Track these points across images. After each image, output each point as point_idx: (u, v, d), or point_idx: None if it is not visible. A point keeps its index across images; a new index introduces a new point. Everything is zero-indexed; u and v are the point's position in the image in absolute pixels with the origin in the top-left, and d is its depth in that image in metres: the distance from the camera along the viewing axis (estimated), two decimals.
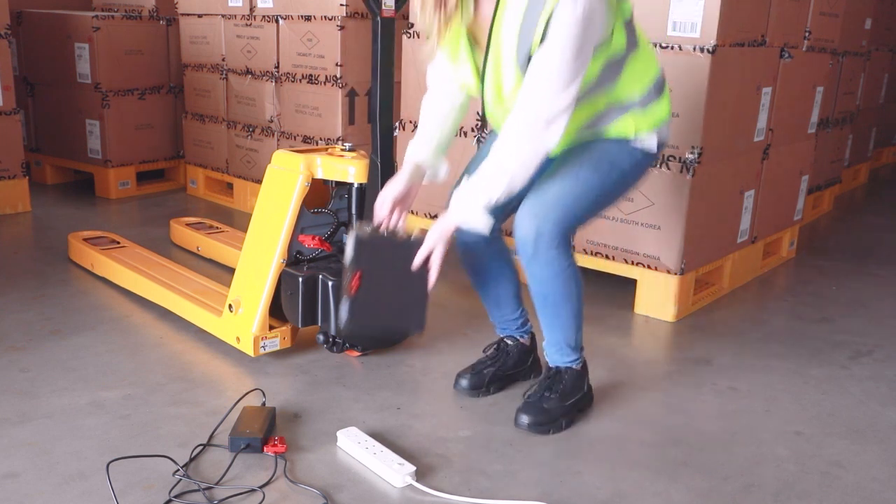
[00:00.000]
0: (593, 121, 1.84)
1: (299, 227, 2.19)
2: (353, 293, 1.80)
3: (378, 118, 2.65)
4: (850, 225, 4.08)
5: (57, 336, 2.33)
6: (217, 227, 3.24)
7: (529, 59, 1.67)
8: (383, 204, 1.89)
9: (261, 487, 1.61)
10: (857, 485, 1.73)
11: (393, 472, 1.65)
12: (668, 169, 2.51)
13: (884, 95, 5.05)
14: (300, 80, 3.56)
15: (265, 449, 1.73)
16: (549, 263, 1.79)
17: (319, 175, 2.19)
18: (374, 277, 1.81)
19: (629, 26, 1.79)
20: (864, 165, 5.08)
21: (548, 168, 1.84)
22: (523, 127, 1.69)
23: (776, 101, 2.88)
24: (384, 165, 2.61)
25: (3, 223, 3.51)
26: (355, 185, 2.19)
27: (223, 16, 3.80)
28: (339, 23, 3.36)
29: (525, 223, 1.76)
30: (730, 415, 2.02)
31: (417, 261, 1.76)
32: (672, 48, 2.46)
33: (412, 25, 3.08)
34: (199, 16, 3.92)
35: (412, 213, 3.10)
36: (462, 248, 1.99)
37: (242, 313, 2.19)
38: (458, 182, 1.90)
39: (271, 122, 3.73)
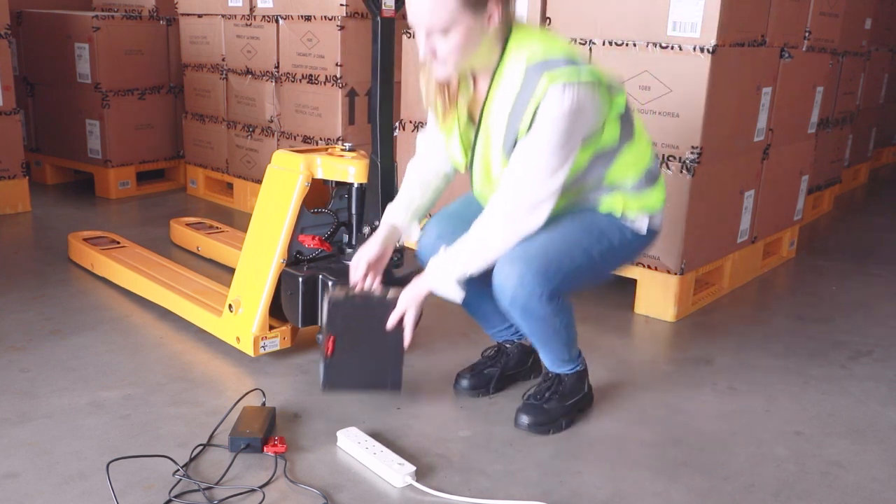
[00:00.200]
0: (582, 198, 1.82)
1: (299, 227, 2.19)
2: (329, 355, 1.86)
3: (378, 118, 2.64)
4: (850, 225, 4.08)
5: (57, 336, 2.33)
6: (217, 227, 3.24)
7: (515, 144, 1.67)
8: (358, 266, 1.89)
9: (261, 487, 1.61)
10: (857, 485, 1.73)
11: (393, 472, 1.66)
12: (668, 169, 2.51)
13: (884, 95, 5.05)
14: (300, 80, 3.56)
15: (265, 449, 1.73)
16: (530, 312, 1.75)
17: (319, 175, 2.19)
18: (350, 340, 1.87)
19: (624, 119, 1.77)
20: (864, 165, 5.07)
21: None
22: (508, 208, 1.70)
23: (776, 101, 2.88)
24: (384, 165, 2.61)
25: (3, 223, 3.51)
26: (355, 185, 2.19)
27: (223, 16, 3.80)
28: (339, 23, 3.36)
29: (505, 270, 1.72)
30: (730, 415, 2.02)
31: (391, 322, 1.81)
32: (672, 48, 2.45)
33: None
34: (199, 16, 3.91)
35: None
36: None
37: (242, 313, 2.19)
38: (431, 237, 1.91)
39: (271, 122, 3.73)
